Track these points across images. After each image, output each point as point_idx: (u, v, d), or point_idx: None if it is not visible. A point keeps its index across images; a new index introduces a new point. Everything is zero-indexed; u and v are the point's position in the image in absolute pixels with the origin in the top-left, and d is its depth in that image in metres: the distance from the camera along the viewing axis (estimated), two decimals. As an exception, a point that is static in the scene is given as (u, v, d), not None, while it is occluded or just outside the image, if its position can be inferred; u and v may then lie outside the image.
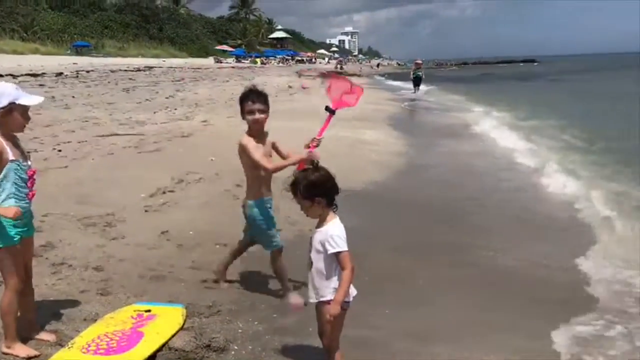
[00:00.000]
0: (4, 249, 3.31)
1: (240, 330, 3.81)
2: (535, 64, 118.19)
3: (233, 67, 57.87)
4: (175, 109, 15.78)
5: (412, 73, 30.51)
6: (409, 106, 23.14)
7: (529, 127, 15.85)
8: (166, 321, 3.73)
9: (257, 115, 4.07)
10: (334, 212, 3.12)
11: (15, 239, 3.34)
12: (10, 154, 3.29)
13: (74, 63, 40.45)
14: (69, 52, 63.39)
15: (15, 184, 3.32)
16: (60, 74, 27.93)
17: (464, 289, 4.89)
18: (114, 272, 4.71)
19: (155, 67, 42.40)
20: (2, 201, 3.30)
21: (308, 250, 3.16)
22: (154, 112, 14.65)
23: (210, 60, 72.56)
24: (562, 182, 9.06)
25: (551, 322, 4.21)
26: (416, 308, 4.45)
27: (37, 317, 3.68)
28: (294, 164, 3.96)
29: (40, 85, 21.11)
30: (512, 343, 3.95)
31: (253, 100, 4.08)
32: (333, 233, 3.02)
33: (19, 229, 3.36)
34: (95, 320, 3.82)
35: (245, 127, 4.18)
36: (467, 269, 5.36)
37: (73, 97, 16.42)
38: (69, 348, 3.40)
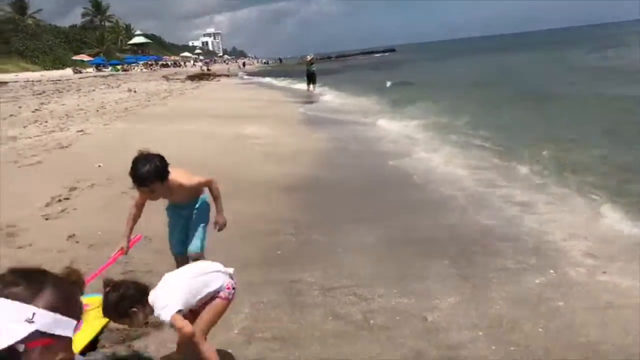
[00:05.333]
0: None
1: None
2: (388, 53, 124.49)
3: (95, 76, 55.25)
4: (46, 122, 15.13)
5: (307, 70, 30.10)
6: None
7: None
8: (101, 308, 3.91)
9: (149, 197, 3.89)
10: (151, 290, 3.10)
11: None
12: None
13: None
14: None
15: None
16: None
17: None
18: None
19: (10, 82, 39.50)
20: None
21: None
22: (24, 127, 13.97)
23: (68, 71, 68.61)
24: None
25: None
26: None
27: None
28: None
29: None
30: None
31: (139, 186, 3.78)
32: (157, 312, 3.04)
33: None
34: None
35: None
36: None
37: None
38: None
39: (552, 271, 4.80)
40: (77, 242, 5.61)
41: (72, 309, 1.29)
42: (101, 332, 3.69)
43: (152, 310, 3.03)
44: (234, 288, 3.22)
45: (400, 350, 3.57)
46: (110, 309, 3.02)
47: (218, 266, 3.26)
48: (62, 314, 1.26)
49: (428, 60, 63.21)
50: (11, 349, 1.16)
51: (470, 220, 6.38)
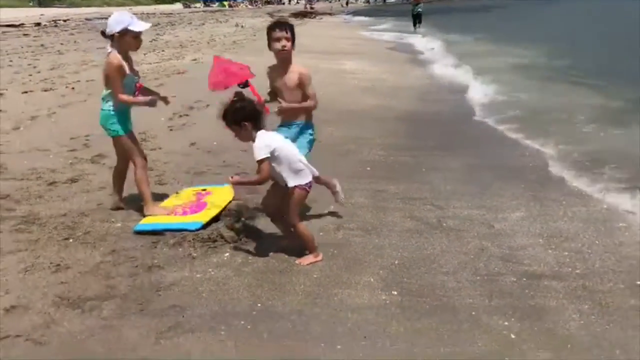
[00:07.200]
0: (125, 136, 4.45)
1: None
2: None
3: (204, 11, 57.28)
4: (163, 51, 16.45)
5: (412, 10, 29.30)
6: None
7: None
8: (220, 195, 4.79)
9: (284, 42, 4.19)
10: (262, 130, 3.63)
11: (129, 128, 4.49)
12: (126, 69, 4.28)
13: (41, 15, 39.79)
14: (31, 4, 61.92)
15: (128, 93, 4.33)
16: (39, 24, 27.97)
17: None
18: (163, 170, 5.77)
19: (127, 14, 42.03)
20: None
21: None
22: (144, 54, 15.28)
23: (178, 6, 71.35)
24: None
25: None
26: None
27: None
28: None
29: (25, 34, 21.38)
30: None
31: (281, 28, 4.22)
32: (254, 145, 3.59)
33: (129, 122, 4.47)
34: (163, 200, 4.87)
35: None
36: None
37: (62, 44, 16.93)
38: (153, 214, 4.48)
39: (621, 200, 5.15)
40: (197, 148, 6.59)
41: None
42: (222, 210, 4.55)
43: (254, 139, 3.61)
44: (311, 186, 3.83)
45: (466, 247, 4.16)
46: (229, 114, 3.63)
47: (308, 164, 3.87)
48: None
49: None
50: None
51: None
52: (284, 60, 4.29)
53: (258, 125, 3.65)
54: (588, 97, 10.16)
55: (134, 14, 4.84)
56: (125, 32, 4.28)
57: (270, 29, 4.27)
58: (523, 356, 2.90)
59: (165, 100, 4.55)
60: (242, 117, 3.60)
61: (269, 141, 3.63)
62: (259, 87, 4.36)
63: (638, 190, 5.26)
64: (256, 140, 3.62)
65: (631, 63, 13.52)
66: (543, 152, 6.80)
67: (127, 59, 4.38)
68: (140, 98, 4.45)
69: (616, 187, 5.45)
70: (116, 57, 4.27)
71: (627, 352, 2.94)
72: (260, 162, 3.60)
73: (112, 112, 4.41)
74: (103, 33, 4.38)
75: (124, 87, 4.32)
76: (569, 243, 4.25)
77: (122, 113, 4.44)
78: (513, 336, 3.06)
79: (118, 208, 4.70)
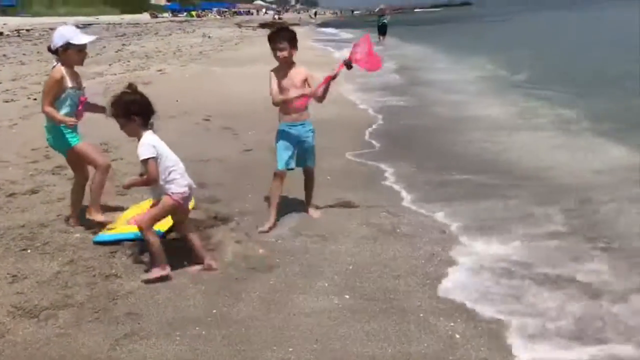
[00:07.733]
0: (75, 147, 4.47)
1: (237, 209, 5.01)
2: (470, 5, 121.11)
3: (172, 21, 57.09)
4: (129, 61, 16.40)
5: (377, 21, 29.97)
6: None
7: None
8: (180, 205, 4.86)
9: (279, 52, 4.61)
10: (150, 130, 3.66)
11: (77, 139, 4.49)
12: (69, 82, 4.31)
13: (3, 24, 39.15)
14: (-6, 12, 60.91)
15: (70, 106, 4.37)
16: (1, 33, 27.55)
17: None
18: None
19: (94, 24, 41.64)
20: None
21: None
22: (109, 65, 15.24)
23: (146, 16, 70.95)
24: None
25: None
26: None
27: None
28: (296, 97, 4.61)
29: (-14, 44, 21.09)
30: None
31: (275, 41, 4.63)
32: (140, 143, 3.59)
33: (75, 134, 4.49)
34: (124, 210, 4.92)
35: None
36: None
37: (24, 54, 16.71)
38: (115, 223, 4.53)
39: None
40: (159, 159, 6.61)
41: None
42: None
43: (140, 136, 3.65)
44: (185, 198, 3.79)
45: (417, 252, 4.32)
46: (120, 104, 3.61)
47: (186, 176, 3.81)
48: None
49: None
50: None
51: (507, 162, 6.99)
52: (285, 64, 4.70)
53: (146, 123, 3.66)
54: (540, 108, 10.55)
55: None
56: (67, 46, 4.31)
57: (269, 40, 4.72)
58: (466, 354, 3.05)
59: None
60: (134, 110, 3.58)
61: (155, 142, 3.66)
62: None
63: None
64: (143, 138, 3.62)
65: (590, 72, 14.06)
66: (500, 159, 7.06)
67: (74, 73, 4.42)
68: (61, 117, 4.35)
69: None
70: (59, 71, 4.32)
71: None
72: (146, 161, 3.60)
73: (57, 126, 4.41)
74: (49, 48, 4.41)
75: (64, 100, 4.36)
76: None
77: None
78: (457, 336, 3.22)
79: (79, 224, 4.69)
